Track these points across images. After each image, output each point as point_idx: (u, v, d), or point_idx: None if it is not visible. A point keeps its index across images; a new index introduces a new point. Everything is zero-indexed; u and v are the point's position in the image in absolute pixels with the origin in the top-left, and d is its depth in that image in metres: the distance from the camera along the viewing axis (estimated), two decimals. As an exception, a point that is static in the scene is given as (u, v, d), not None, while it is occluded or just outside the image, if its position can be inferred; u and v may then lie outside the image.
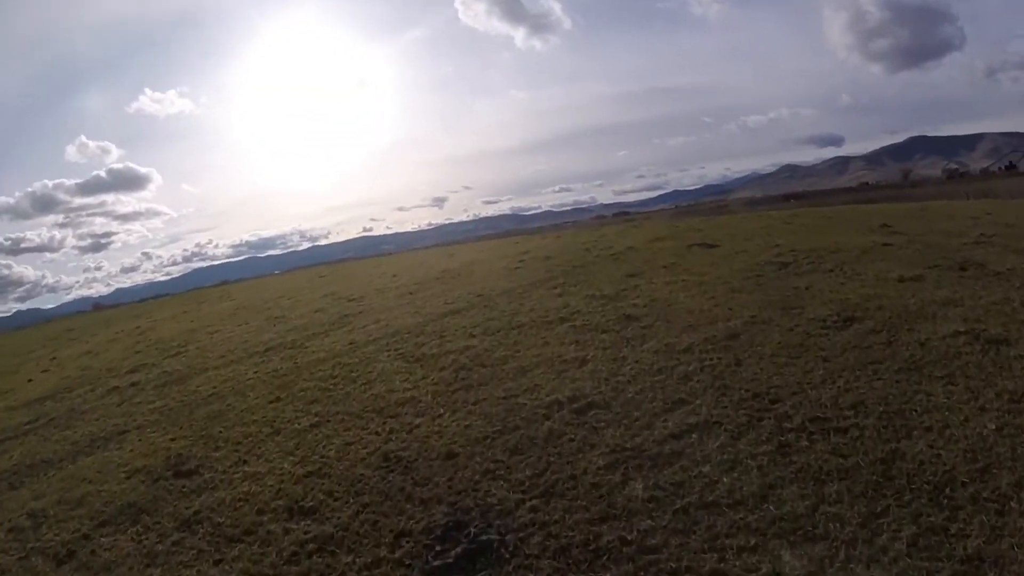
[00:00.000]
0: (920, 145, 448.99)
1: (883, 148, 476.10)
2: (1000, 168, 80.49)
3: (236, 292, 25.91)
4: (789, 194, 66.02)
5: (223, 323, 12.07)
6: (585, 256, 12.78)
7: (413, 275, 14.93)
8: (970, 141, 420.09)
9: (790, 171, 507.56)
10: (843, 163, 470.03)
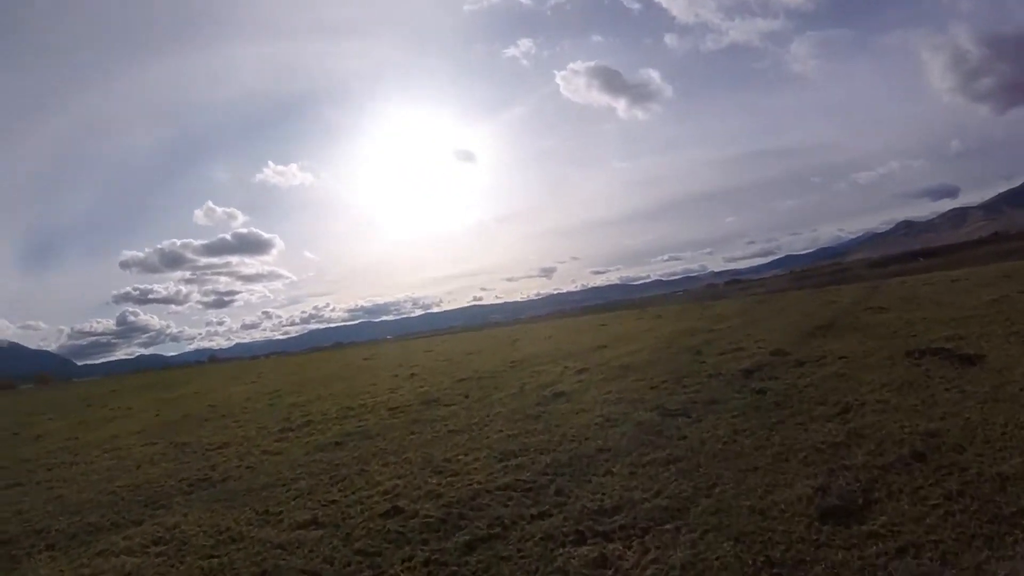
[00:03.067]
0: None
1: (1001, 195, 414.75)
2: None
3: (275, 370, 24.39)
4: (917, 252, 54.24)
5: (160, 428, 9.45)
6: (693, 373, 7.05)
7: (428, 379, 10.98)
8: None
9: (906, 227, 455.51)
10: (961, 215, 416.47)
